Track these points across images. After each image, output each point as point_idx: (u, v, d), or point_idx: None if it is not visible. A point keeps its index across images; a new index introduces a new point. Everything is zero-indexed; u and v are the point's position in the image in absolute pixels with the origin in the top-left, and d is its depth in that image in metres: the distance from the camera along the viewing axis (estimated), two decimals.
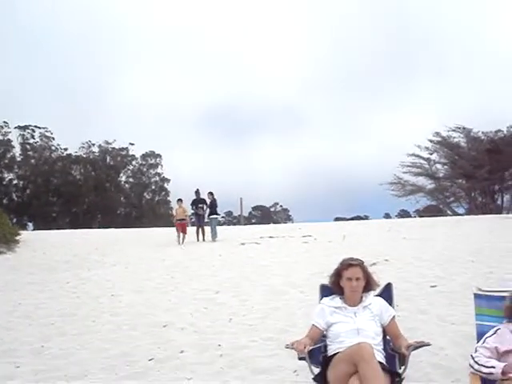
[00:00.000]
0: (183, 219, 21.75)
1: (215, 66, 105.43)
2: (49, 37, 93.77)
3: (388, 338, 4.77)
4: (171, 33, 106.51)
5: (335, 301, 4.82)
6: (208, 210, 22.20)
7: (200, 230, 21.83)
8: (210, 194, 22.46)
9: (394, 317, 4.78)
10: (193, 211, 22.34)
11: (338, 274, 4.84)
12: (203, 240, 21.50)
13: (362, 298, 4.79)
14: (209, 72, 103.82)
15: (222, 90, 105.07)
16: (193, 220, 22.84)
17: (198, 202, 22.31)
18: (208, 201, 22.36)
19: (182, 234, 21.27)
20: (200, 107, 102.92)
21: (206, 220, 22.52)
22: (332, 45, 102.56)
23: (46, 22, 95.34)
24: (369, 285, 4.83)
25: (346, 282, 4.75)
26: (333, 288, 4.93)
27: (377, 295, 4.98)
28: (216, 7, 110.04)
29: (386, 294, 5.08)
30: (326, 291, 5.05)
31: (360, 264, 4.81)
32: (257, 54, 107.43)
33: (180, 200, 22.79)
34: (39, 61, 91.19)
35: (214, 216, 22.37)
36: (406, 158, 48.39)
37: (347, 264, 4.80)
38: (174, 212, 23.36)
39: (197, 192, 22.60)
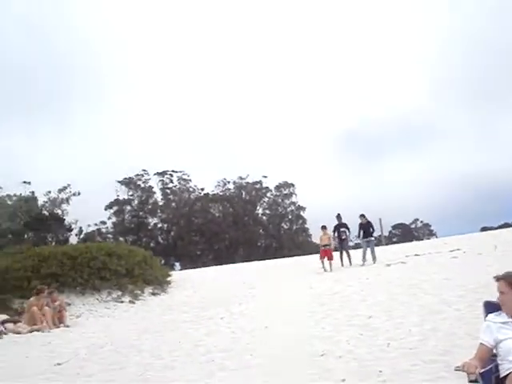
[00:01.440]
0: (327, 245, 21.46)
1: (343, 87, 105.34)
2: (181, 81, 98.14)
3: None
4: (297, 59, 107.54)
5: (501, 316, 4.65)
6: (362, 233, 21.79)
7: (344, 254, 21.64)
8: (363, 216, 22.03)
9: None
10: (335, 236, 22.07)
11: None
12: (350, 264, 21.27)
13: None
14: (337, 94, 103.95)
15: (351, 110, 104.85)
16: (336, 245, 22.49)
17: (339, 226, 22.09)
18: (363, 223, 21.84)
19: (328, 261, 20.93)
20: (330, 130, 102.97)
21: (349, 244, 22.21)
22: (462, 52, 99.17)
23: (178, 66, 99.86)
24: None
25: None
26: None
27: None
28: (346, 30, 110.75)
29: None
30: (490, 308, 4.86)
31: (505, 277, 4.65)
32: (387, 69, 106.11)
33: (324, 227, 22.34)
34: (170, 106, 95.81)
35: (372, 238, 22.03)
36: None
37: (496, 278, 4.72)
38: (318, 239, 22.97)
39: (338, 216, 22.35)
